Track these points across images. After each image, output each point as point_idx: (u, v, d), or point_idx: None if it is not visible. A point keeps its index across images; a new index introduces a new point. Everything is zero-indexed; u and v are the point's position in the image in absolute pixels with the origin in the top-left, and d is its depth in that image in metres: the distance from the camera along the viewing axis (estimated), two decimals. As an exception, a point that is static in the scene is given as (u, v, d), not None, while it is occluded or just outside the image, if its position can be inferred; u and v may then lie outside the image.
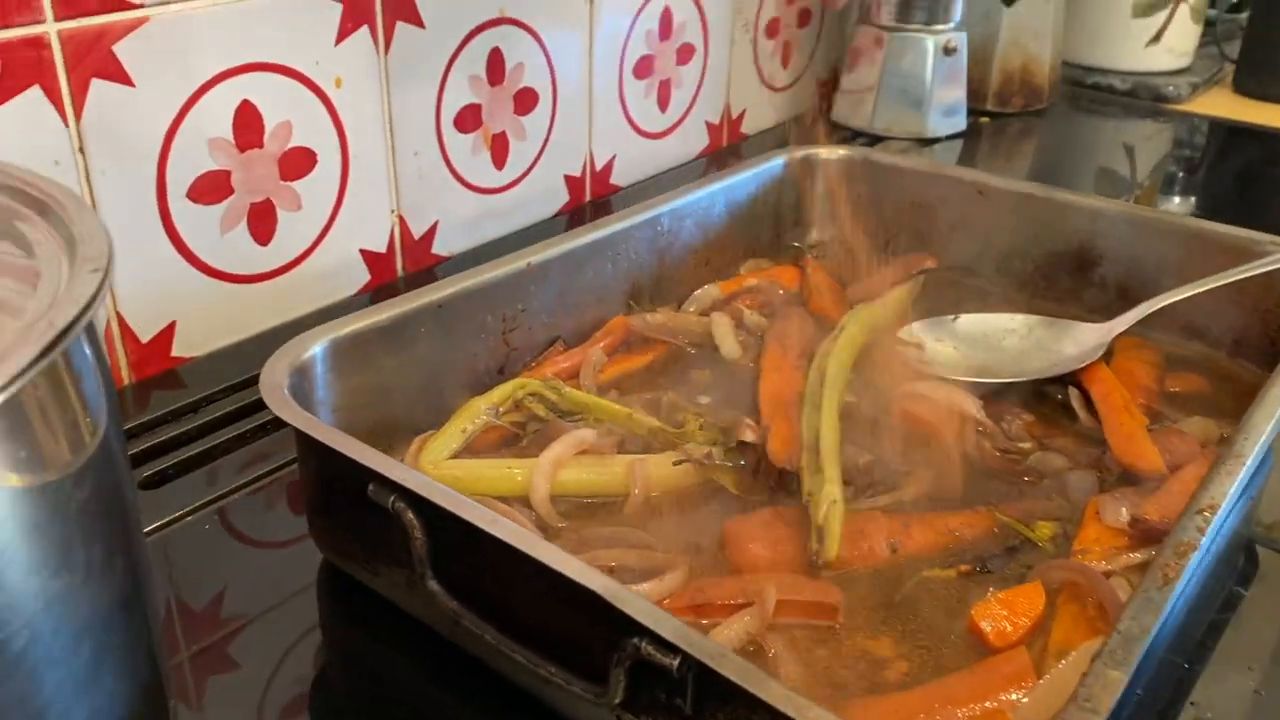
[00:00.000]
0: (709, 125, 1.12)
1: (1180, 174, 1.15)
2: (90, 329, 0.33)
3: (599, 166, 1.00)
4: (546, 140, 0.94)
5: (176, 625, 0.51)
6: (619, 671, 0.38)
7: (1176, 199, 1.09)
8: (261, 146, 0.72)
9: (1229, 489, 0.45)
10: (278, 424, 0.50)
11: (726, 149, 1.16)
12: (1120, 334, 0.69)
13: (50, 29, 0.60)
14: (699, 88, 1.09)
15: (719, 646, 0.36)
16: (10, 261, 0.34)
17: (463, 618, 0.44)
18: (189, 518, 0.58)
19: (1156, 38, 1.31)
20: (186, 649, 0.50)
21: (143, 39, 0.63)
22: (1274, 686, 0.49)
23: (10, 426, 0.29)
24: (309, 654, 0.50)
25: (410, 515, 0.44)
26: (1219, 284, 0.66)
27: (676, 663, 0.37)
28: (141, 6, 0.63)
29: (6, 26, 0.58)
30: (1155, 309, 0.67)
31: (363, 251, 0.81)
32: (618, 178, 1.03)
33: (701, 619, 0.49)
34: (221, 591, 0.53)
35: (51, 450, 0.31)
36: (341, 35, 0.74)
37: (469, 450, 0.59)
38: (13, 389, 0.27)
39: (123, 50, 0.63)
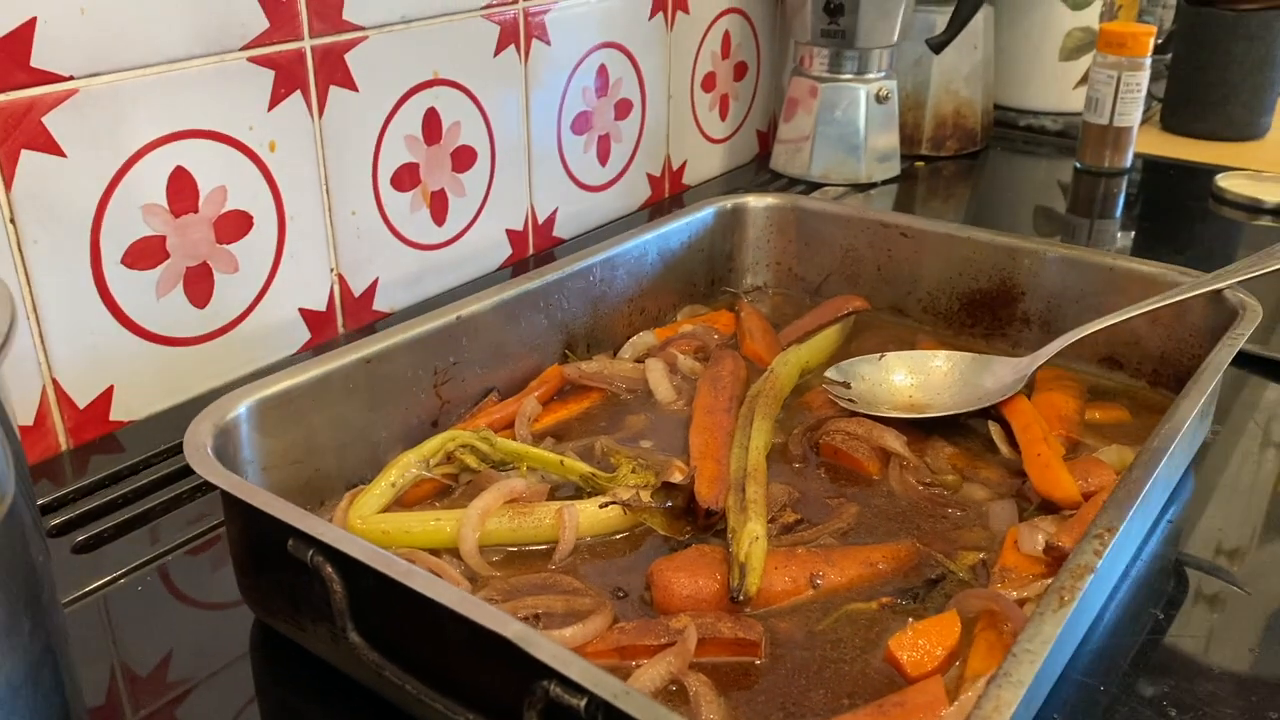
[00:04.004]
0: (650, 177, 1.15)
1: (1113, 210, 1.18)
2: (-9, 398, 0.34)
3: (541, 220, 1.02)
4: (486, 196, 0.95)
5: (119, 684, 0.51)
6: (531, 714, 0.39)
7: (1110, 234, 1.12)
8: (196, 211, 0.73)
9: (1127, 512, 0.47)
10: (213, 485, 0.51)
11: (669, 200, 1.18)
12: (1043, 367, 0.71)
13: (-22, 103, 0.61)
14: (638, 141, 1.11)
15: (622, 685, 0.37)
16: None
17: (384, 669, 0.44)
18: (123, 580, 0.58)
19: (1084, 79, 1.35)
20: (130, 708, 0.50)
21: (72, 109, 0.65)
22: (1186, 709, 0.50)
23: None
24: (244, 710, 0.50)
25: (329, 569, 0.45)
26: (1129, 316, 0.68)
27: (584, 703, 0.37)
28: (70, 79, 0.64)
29: (-66, 102, 0.59)
30: (1071, 342, 0.69)
31: (302, 311, 0.82)
32: (561, 230, 1.05)
33: (628, 660, 0.49)
34: (159, 651, 0.53)
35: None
36: (274, 101, 0.76)
37: (401, 504, 0.60)
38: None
39: (52, 121, 0.64)
